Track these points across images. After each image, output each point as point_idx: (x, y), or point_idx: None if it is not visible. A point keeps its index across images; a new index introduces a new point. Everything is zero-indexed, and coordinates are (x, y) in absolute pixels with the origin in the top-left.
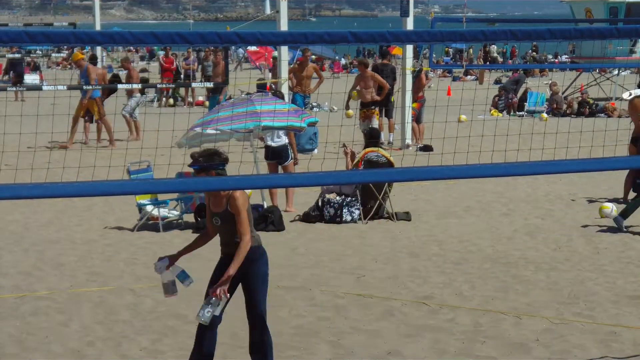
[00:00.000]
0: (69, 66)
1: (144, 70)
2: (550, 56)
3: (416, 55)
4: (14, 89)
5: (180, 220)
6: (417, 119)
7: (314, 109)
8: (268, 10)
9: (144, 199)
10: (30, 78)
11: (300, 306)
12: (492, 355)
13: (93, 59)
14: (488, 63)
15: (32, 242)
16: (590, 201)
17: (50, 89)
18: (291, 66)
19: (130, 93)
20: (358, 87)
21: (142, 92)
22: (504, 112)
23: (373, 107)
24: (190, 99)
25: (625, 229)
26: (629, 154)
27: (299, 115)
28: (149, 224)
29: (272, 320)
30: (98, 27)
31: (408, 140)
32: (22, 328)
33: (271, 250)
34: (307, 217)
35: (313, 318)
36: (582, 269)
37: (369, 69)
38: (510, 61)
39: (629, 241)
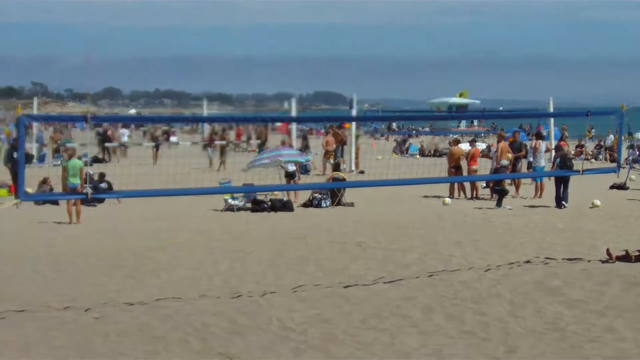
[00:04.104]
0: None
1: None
2: (420, 128)
3: (358, 127)
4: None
5: (244, 206)
6: (357, 156)
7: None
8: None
9: (227, 196)
10: (124, 132)
11: (300, 245)
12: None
13: None
14: (390, 130)
15: (183, 218)
16: (437, 197)
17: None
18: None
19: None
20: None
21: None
22: (399, 154)
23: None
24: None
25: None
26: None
27: (301, 156)
28: (229, 208)
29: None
30: None
31: (353, 168)
32: None
33: (287, 221)
34: (305, 205)
35: (306, 248)
36: (428, 227)
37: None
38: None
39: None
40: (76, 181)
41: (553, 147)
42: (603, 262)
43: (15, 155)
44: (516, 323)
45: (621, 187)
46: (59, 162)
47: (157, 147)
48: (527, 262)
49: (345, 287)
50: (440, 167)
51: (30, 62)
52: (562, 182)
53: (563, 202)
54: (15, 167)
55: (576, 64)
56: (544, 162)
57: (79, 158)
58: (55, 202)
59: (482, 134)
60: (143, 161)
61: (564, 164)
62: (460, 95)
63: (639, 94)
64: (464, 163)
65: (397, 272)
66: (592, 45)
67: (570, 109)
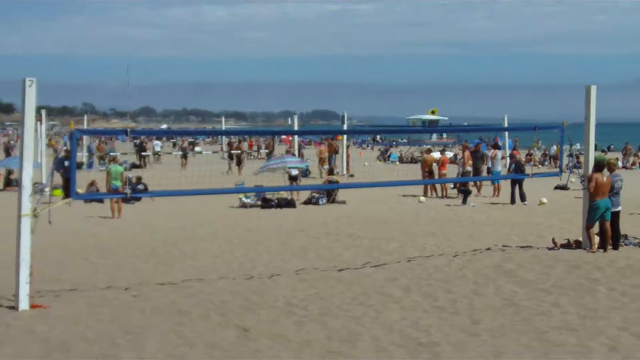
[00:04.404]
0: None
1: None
2: (399, 140)
3: (348, 139)
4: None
5: (255, 203)
6: (348, 162)
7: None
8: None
9: (241, 195)
10: (157, 144)
11: (301, 236)
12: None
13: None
14: (374, 141)
15: (205, 214)
16: (414, 196)
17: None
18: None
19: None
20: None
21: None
22: (382, 161)
23: (325, 160)
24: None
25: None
26: (423, 177)
27: (302, 163)
28: (243, 205)
29: (296, 236)
30: None
31: (344, 172)
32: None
33: (291, 216)
34: (305, 202)
35: (306, 238)
36: (406, 221)
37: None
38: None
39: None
40: (118, 183)
41: (508, 155)
42: (550, 249)
43: (66, 163)
44: (479, 300)
45: (563, 187)
46: (104, 168)
47: (185, 156)
48: (488, 249)
49: (339, 270)
50: (416, 171)
51: (81, 87)
52: (516, 184)
53: (525, 202)
54: (66, 174)
55: (527, 88)
56: (500, 167)
57: (120, 164)
58: (101, 201)
59: (450, 145)
60: (173, 167)
61: (518, 168)
62: (432, 113)
63: (577, 113)
64: (435, 168)
65: (381, 257)
66: (541, 73)
67: (521, 124)
